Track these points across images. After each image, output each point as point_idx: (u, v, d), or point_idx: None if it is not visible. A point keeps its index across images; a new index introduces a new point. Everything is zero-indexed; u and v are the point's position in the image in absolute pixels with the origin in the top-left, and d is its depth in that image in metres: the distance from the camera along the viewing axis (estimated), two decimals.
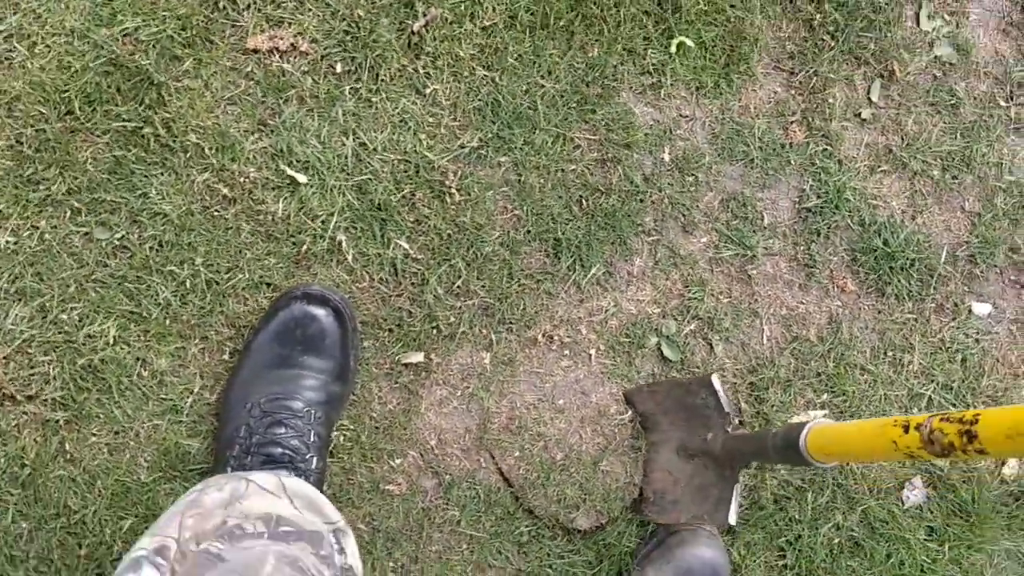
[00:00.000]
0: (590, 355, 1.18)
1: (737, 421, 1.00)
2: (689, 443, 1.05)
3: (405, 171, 1.09)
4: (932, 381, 1.25)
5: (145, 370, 1.06)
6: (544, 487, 1.16)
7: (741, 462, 1.02)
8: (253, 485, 0.93)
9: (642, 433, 1.19)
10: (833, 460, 0.83)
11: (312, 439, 1.05)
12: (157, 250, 1.05)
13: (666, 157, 1.16)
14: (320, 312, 1.07)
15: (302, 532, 0.89)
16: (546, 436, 1.17)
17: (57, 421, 1.05)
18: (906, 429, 0.64)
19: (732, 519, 1.04)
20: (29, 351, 1.04)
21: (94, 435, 1.06)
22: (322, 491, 1.08)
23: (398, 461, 1.14)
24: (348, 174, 1.07)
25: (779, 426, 0.89)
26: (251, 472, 0.97)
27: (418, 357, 1.12)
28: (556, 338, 1.16)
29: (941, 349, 1.25)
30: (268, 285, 1.08)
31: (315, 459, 1.05)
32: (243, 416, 1.05)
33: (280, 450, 1.03)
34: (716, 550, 1.14)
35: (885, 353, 1.24)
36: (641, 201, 1.16)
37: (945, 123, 1.22)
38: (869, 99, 1.20)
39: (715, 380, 1.04)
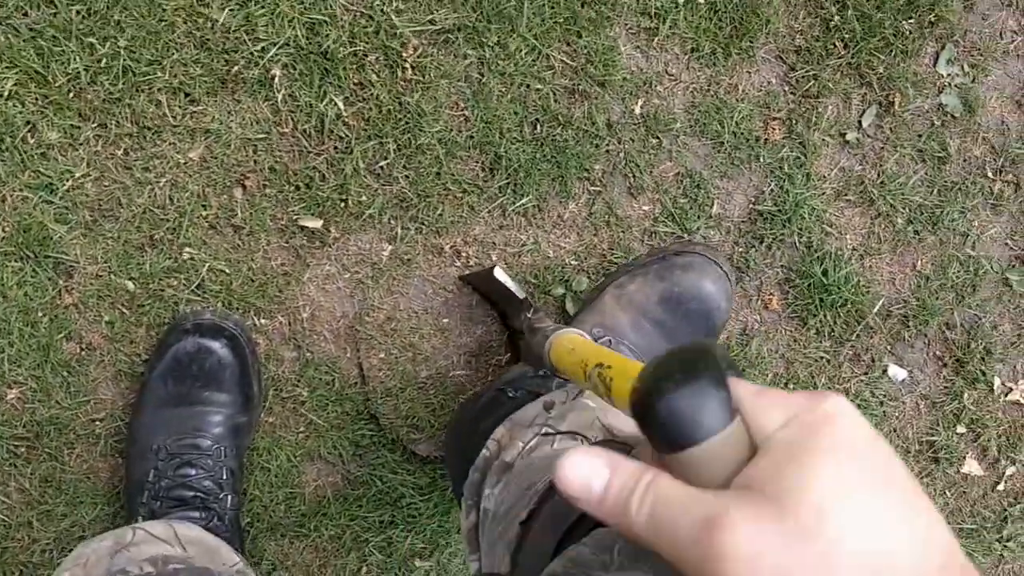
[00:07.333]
0: None
1: (533, 307, 1.00)
2: (515, 323, 1.09)
3: (365, 27, 1.07)
4: None
5: (32, 137, 1.04)
6: (397, 399, 1.16)
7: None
8: (141, 532, 0.95)
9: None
10: (563, 376, 0.86)
11: (225, 476, 1.07)
12: (84, 16, 1.03)
13: (637, 110, 1.15)
14: (215, 344, 1.07)
15: (191, 569, 0.91)
16: (417, 349, 1.16)
17: None
18: (584, 371, 0.70)
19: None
20: None
21: None
22: (239, 524, 1.11)
23: (264, 322, 1.13)
24: (305, 7, 1.04)
25: (555, 327, 0.91)
26: (142, 521, 0.99)
27: (317, 223, 1.11)
28: (464, 255, 1.15)
29: None
30: (186, 96, 1.06)
31: (229, 496, 1.08)
32: (151, 459, 1.06)
33: (191, 493, 1.05)
34: (722, 292, 1.09)
35: (787, 384, 1.24)
36: (597, 147, 1.15)
37: (926, 174, 1.21)
38: (859, 123, 1.19)
39: (497, 272, 1.03)
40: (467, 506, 0.94)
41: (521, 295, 1.04)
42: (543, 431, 0.89)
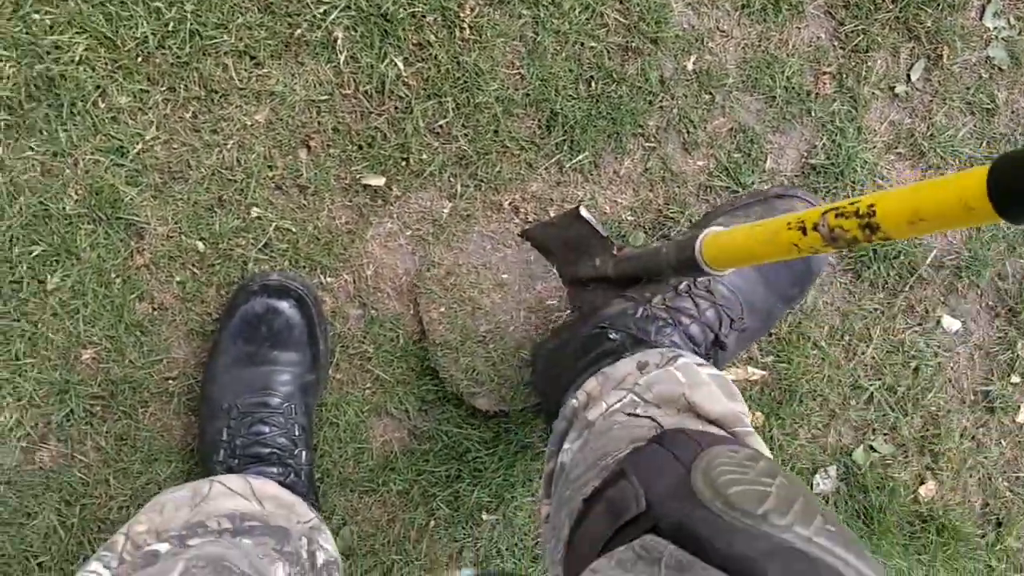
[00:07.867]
0: None
1: (617, 244, 1.02)
2: (581, 273, 1.09)
3: None
4: (879, 379, 1.27)
5: (103, 101, 1.07)
6: (457, 352, 1.17)
7: (636, 281, 1.03)
8: (218, 486, 0.97)
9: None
10: (730, 266, 0.85)
11: (297, 432, 1.09)
12: None
13: (689, 66, 1.16)
14: (282, 304, 1.10)
15: (267, 527, 0.93)
16: (477, 303, 1.18)
17: None
18: (803, 231, 0.66)
19: None
20: None
21: (32, 149, 1.06)
22: (313, 479, 1.14)
23: (329, 280, 1.15)
24: None
25: (669, 240, 0.89)
26: (219, 475, 1.01)
27: (379, 181, 1.13)
28: (522, 211, 1.17)
29: (898, 351, 1.26)
30: (252, 59, 1.09)
31: (303, 452, 1.10)
32: (223, 418, 1.08)
33: (267, 450, 1.07)
34: None
35: (842, 336, 1.25)
36: (651, 103, 1.17)
37: (975, 126, 1.22)
38: (908, 76, 1.20)
39: (583, 211, 1.04)
40: (550, 451, 0.97)
41: (604, 232, 1.05)
42: (628, 397, 0.89)
